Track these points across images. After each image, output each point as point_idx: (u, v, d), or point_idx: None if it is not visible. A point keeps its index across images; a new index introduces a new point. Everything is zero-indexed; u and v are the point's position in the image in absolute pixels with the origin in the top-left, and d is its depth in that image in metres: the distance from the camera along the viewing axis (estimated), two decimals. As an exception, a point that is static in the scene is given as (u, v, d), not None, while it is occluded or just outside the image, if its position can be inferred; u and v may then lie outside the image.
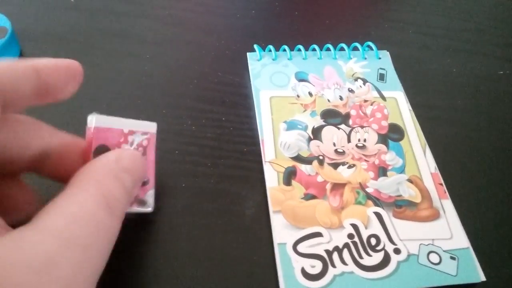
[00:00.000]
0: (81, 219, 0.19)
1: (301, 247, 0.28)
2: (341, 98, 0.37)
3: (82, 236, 0.19)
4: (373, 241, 0.29)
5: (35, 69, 0.22)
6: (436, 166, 0.33)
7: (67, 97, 0.24)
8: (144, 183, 0.27)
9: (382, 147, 0.34)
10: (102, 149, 0.24)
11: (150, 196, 0.27)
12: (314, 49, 0.41)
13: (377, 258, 0.28)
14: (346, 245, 0.29)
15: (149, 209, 0.27)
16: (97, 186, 0.21)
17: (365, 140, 0.35)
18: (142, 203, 0.27)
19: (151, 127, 0.27)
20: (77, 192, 0.21)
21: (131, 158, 0.24)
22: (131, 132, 0.26)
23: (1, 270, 0.16)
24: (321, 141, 0.34)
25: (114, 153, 0.24)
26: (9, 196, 0.25)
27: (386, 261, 0.28)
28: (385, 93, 0.38)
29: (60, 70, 0.23)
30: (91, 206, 0.20)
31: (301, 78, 0.39)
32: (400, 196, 0.31)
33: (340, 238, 0.29)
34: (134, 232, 0.29)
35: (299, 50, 0.41)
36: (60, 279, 0.18)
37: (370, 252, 0.28)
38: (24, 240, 0.18)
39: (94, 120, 0.24)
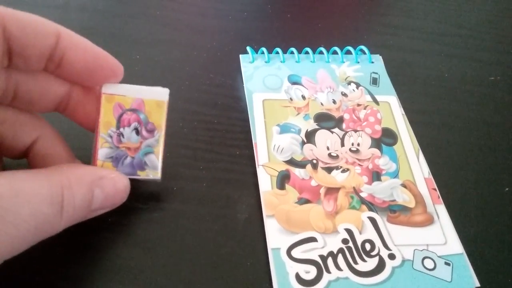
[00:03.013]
0: (24, 200, 0.20)
1: (296, 252, 0.28)
2: (334, 102, 0.37)
3: (13, 213, 0.19)
4: (367, 246, 0.29)
5: (56, 34, 0.23)
6: (430, 171, 0.33)
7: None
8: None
9: (376, 151, 0.34)
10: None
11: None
12: (307, 52, 0.40)
13: (371, 263, 0.28)
14: (340, 250, 0.28)
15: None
16: (63, 184, 0.22)
17: (358, 144, 0.34)
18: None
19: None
20: (42, 176, 0.22)
21: (114, 187, 0.25)
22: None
23: None
24: (314, 144, 0.34)
25: (105, 172, 0.25)
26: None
27: (380, 266, 0.28)
28: (378, 97, 0.38)
29: (86, 56, 0.25)
30: (42, 196, 0.21)
31: (294, 81, 0.38)
32: (394, 201, 0.31)
33: (334, 243, 0.29)
34: (124, 236, 0.28)
35: (292, 53, 0.40)
36: None
37: (365, 258, 0.28)
38: None
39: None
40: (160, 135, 0.27)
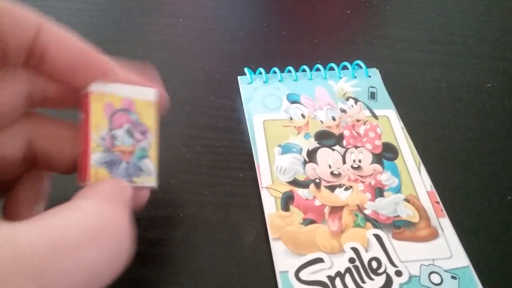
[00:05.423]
0: (82, 219, 0.18)
1: (303, 274, 0.28)
2: (333, 119, 0.37)
3: (77, 239, 0.17)
4: (374, 264, 0.29)
5: (37, 26, 0.21)
6: (432, 184, 0.34)
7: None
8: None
9: (377, 167, 0.34)
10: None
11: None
12: (304, 70, 0.41)
13: (379, 281, 0.28)
14: (348, 270, 0.29)
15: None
16: (103, 196, 0.21)
17: (360, 161, 0.35)
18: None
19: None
20: (82, 200, 0.20)
21: (131, 191, 0.24)
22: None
23: None
24: (316, 163, 0.34)
25: (120, 183, 0.23)
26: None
27: (388, 284, 0.28)
28: (377, 112, 0.38)
29: (70, 51, 0.23)
30: (97, 208, 0.20)
31: (293, 100, 0.39)
32: (398, 216, 0.32)
33: (341, 263, 0.29)
34: (132, 265, 0.29)
35: (290, 71, 0.41)
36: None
37: (372, 276, 0.28)
38: (17, 231, 0.16)
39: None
40: (153, 137, 0.25)
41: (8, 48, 0.21)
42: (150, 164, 0.25)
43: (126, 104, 0.24)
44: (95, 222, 0.18)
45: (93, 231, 0.18)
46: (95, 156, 0.23)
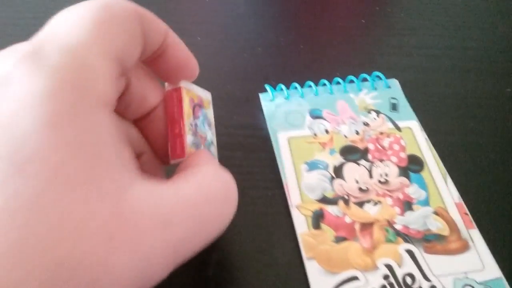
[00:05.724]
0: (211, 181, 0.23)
1: (340, 294, 0.29)
2: (357, 133, 0.38)
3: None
4: (408, 280, 0.29)
5: (165, 32, 0.25)
6: (459, 195, 0.34)
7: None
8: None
9: (404, 180, 0.35)
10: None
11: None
12: (324, 84, 0.41)
13: (414, 297, 0.29)
14: (383, 287, 0.29)
15: None
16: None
17: (386, 175, 0.35)
18: None
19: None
20: (200, 167, 0.24)
21: None
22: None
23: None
24: (343, 179, 0.35)
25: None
26: None
27: (423, 299, 0.29)
28: (400, 123, 0.39)
29: (181, 54, 0.27)
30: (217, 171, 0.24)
31: (316, 115, 0.39)
32: (428, 230, 0.32)
33: (376, 280, 0.29)
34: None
35: (310, 86, 0.41)
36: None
37: (407, 292, 0.29)
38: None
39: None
40: (214, 130, 0.31)
41: (145, 48, 0.24)
42: (215, 151, 0.30)
43: (200, 100, 0.29)
44: (221, 183, 0.23)
45: (221, 190, 0.23)
46: (188, 137, 0.27)
